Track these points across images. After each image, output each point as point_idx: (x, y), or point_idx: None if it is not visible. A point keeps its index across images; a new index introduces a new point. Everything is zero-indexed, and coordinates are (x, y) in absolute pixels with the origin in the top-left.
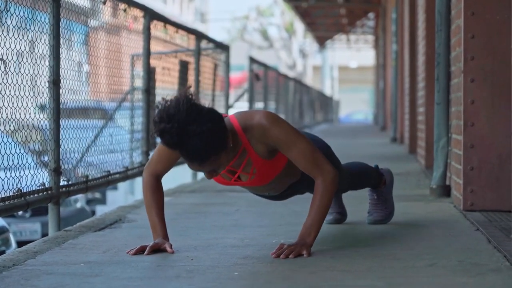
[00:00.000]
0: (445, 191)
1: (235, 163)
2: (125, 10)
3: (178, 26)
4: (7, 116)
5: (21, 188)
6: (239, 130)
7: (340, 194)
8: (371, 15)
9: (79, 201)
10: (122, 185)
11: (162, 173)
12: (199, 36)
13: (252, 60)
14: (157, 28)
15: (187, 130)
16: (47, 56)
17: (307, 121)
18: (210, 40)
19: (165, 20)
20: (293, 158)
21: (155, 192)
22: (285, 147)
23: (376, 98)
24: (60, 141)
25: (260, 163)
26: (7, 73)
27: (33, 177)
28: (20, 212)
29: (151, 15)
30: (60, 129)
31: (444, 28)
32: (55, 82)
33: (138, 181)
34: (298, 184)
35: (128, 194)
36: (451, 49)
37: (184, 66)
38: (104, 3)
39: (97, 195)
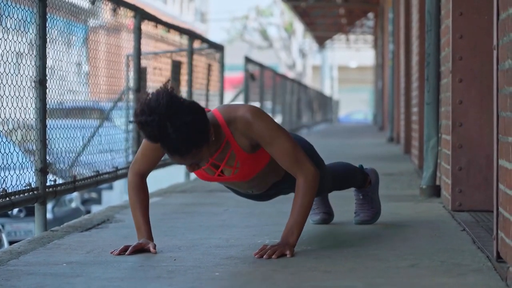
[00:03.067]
0: (435, 191)
1: (218, 156)
2: (114, 10)
3: (170, 26)
4: (5, 116)
5: (6, 188)
6: (222, 123)
7: (325, 195)
8: (370, 15)
9: (74, 201)
10: (117, 185)
11: (147, 172)
12: (192, 35)
13: (248, 60)
14: (156, 28)
15: (168, 123)
16: (32, 56)
17: (305, 121)
18: (203, 40)
19: (156, 20)
20: (274, 155)
21: (140, 192)
22: (267, 143)
23: (375, 98)
24: (47, 140)
25: (243, 157)
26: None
27: (19, 177)
28: (15, 212)
29: (141, 15)
30: (47, 128)
31: (434, 28)
32: (41, 82)
33: None
34: (281, 183)
35: (124, 193)
36: (441, 49)
37: (176, 66)
38: (93, 3)
39: (93, 195)
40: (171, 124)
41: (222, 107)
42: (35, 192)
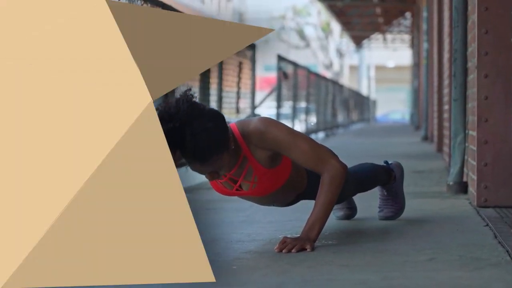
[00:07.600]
0: (462, 187)
1: (236, 171)
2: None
3: None
4: None
5: None
6: (239, 137)
7: (350, 199)
8: (407, 14)
9: None
10: None
11: None
12: None
13: (280, 58)
14: None
15: (188, 129)
16: None
17: (340, 120)
18: None
19: None
20: (296, 158)
21: None
22: (285, 148)
23: (412, 97)
24: None
25: (261, 172)
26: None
27: None
28: None
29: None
30: None
31: (461, 24)
32: None
33: None
34: (305, 195)
35: None
36: (467, 45)
37: None
38: None
39: None
40: (191, 130)
41: (238, 121)
42: None
